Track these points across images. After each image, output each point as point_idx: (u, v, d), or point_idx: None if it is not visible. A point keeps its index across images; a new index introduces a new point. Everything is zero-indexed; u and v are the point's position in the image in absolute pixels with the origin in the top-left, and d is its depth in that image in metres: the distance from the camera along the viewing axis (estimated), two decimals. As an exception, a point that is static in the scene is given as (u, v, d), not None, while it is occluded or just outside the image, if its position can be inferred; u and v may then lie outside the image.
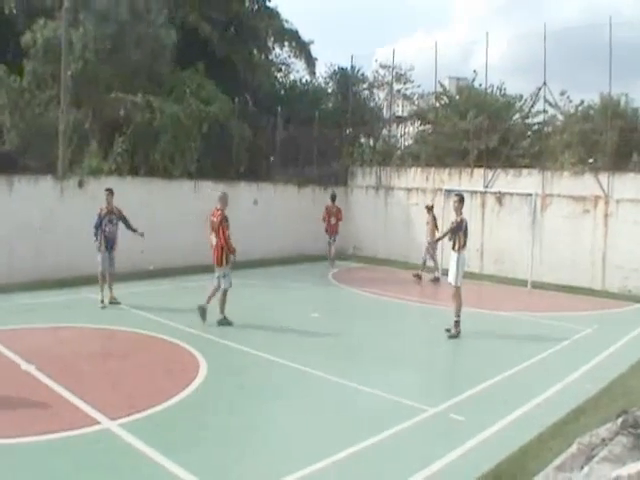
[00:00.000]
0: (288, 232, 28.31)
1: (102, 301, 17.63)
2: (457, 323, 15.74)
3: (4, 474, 7.85)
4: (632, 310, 20.24)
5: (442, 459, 8.56)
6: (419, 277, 24.52)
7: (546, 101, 26.39)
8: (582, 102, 27.14)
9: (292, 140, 30.68)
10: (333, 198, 27.74)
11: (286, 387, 11.91)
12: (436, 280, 24.18)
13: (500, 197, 25.75)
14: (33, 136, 22.44)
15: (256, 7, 33.69)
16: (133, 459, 8.40)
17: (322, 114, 32.21)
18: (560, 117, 27.59)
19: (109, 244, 17.95)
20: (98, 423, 9.38)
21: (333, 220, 27.44)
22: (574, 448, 7.85)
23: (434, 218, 24.82)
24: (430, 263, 24.71)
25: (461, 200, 16.17)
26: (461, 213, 16.05)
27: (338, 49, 70.98)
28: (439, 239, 16.23)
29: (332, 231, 27.38)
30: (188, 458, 8.36)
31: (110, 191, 18.19)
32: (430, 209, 25.08)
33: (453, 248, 15.98)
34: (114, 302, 17.76)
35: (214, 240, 15.84)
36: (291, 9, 53.64)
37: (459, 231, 15.84)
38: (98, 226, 17.78)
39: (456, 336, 15.62)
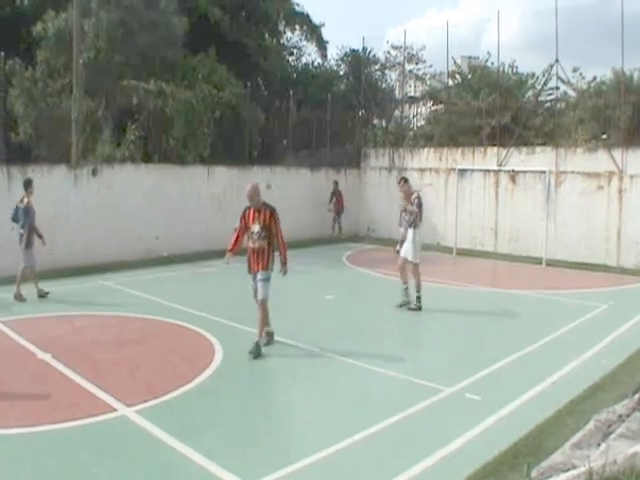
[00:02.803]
0: (302, 215, 28.32)
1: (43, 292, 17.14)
2: (419, 299, 16.15)
3: (23, 463, 7.92)
4: (648, 286, 20.18)
5: (459, 438, 8.58)
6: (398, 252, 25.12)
7: (558, 78, 26.32)
8: (595, 78, 27.02)
9: (305, 123, 30.70)
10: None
11: (302, 370, 11.93)
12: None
13: (514, 175, 25.70)
14: (46, 126, 22.51)
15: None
16: (150, 445, 8.45)
17: (334, 96, 32.13)
18: (573, 94, 27.52)
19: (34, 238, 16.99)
20: (115, 410, 9.44)
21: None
22: (591, 425, 7.89)
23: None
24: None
25: (406, 180, 16.62)
26: (411, 191, 16.40)
27: (349, 31, 70.99)
28: (415, 219, 16.24)
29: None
30: (205, 443, 8.41)
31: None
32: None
33: (410, 225, 16.16)
34: (43, 295, 17.09)
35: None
36: (301, -8, 53.58)
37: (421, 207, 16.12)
38: (33, 221, 16.87)
39: (417, 309, 16.04)
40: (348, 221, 29.53)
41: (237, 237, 12.88)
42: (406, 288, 16.34)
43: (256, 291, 12.53)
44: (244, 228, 12.68)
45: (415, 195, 16.14)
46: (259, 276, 12.39)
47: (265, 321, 12.64)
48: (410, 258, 16.19)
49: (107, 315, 15.35)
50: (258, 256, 12.44)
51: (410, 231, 16.16)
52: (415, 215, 16.01)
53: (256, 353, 12.04)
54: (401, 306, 16.26)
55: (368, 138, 34.54)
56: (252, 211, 12.58)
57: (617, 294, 18.82)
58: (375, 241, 29.09)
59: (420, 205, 16.03)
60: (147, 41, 24.75)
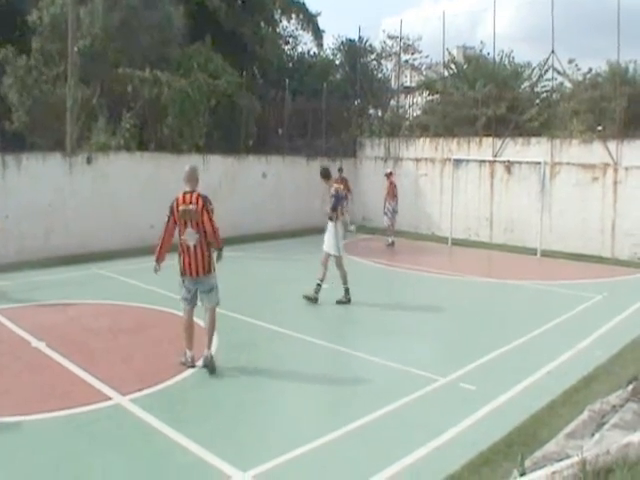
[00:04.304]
0: (298, 204, 28.33)
1: None
2: (347, 290, 15.90)
3: (17, 451, 7.95)
4: (642, 277, 20.23)
5: (454, 428, 8.63)
6: (392, 244, 25.42)
7: (554, 69, 26.31)
8: (590, 70, 27.01)
9: (300, 112, 30.65)
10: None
11: (297, 359, 11.94)
12: (391, 245, 25.52)
13: (509, 166, 25.70)
14: (41, 114, 22.44)
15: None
16: (145, 434, 8.49)
17: (330, 86, 32.12)
18: (568, 85, 27.52)
19: None
20: (110, 399, 9.46)
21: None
22: (585, 415, 7.91)
23: (392, 184, 25.86)
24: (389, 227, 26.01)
25: (323, 175, 16.26)
26: (331, 184, 16.18)
27: (345, 20, 70.66)
28: (332, 213, 15.89)
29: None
30: (199, 432, 8.43)
31: None
32: (389, 176, 26.03)
33: (331, 219, 15.92)
34: None
35: (193, 239, 10.91)
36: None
37: (339, 201, 15.92)
38: None
39: (346, 302, 15.75)
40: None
41: None
42: (319, 284, 15.86)
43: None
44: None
45: (333, 188, 15.94)
46: None
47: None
48: (332, 252, 15.92)
49: (101, 304, 15.35)
50: None
51: (330, 224, 15.94)
52: (331, 207, 15.81)
53: (212, 367, 10.77)
54: (309, 299, 15.78)
55: (364, 128, 34.44)
56: None
57: (611, 285, 18.84)
58: (370, 231, 29.05)
59: (335, 197, 15.80)
60: (145, 39, 24.71)
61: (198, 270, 10.95)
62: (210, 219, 10.95)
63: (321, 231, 26.89)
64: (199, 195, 11.11)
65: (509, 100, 27.79)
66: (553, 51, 25.37)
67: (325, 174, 16.19)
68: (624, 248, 22.80)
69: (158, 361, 11.39)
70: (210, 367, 10.71)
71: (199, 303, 11.33)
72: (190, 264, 10.95)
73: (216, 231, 10.97)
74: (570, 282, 18.99)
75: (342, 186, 16.34)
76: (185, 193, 11.13)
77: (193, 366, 10.83)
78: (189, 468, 7.61)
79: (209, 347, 10.92)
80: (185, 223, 10.89)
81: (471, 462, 7.58)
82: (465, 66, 31.85)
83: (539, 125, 27.33)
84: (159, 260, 11.24)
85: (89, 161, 21.72)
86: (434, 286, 18.70)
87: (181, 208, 10.92)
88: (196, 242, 10.85)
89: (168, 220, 11.01)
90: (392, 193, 25.56)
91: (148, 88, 24.39)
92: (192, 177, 11.40)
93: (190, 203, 10.95)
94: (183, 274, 11.12)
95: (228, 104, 27.24)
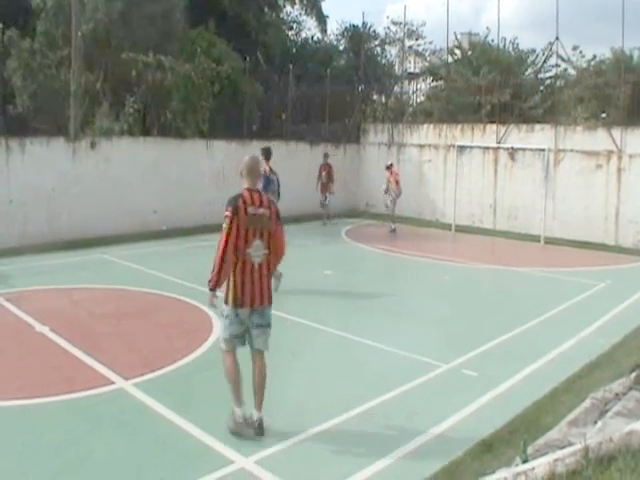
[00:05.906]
0: (301, 190, 28.24)
1: None
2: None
3: (21, 435, 7.96)
4: (645, 265, 20.22)
5: (456, 415, 8.64)
6: (394, 230, 25.50)
7: (558, 56, 26.24)
8: (594, 57, 26.98)
9: (304, 98, 30.58)
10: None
11: (299, 345, 11.94)
12: (393, 231, 25.50)
13: (513, 153, 25.64)
14: (44, 98, 22.43)
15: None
16: (148, 418, 8.51)
17: (334, 72, 31.96)
18: (572, 72, 27.47)
19: None
20: (113, 383, 9.48)
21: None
22: (588, 403, 7.92)
23: (393, 174, 25.82)
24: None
25: (262, 155, 15.56)
26: (268, 167, 15.63)
27: (349, 6, 70.42)
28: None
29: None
30: (201, 416, 8.46)
31: None
32: (389, 168, 26.04)
33: None
34: None
35: (260, 254, 8.11)
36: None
37: (269, 185, 15.26)
38: None
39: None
40: (348, 196, 29.47)
41: None
42: None
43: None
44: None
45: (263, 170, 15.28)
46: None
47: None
48: None
49: (105, 288, 15.35)
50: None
51: None
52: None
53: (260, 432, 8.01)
54: None
55: (367, 114, 34.37)
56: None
57: (615, 273, 18.84)
58: (374, 216, 29.02)
59: (266, 186, 14.86)
60: (150, 30, 24.70)
61: (263, 298, 8.11)
62: (282, 231, 8.52)
63: (323, 217, 26.97)
64: (268, 197, 8.45)
65: (513, 87, 27.74)
66: (557, 37, 25.32)
67: (263, 154, 15.69)
68: (628, 236, 22.78)
69: (161, 345, 11.39)
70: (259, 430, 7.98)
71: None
72: (253, 290, 8.02)
73: (285, 248, 8.67)
74: (573, 269, 18.98)
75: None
76: (251, 191, 8.11)
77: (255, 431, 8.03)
78: (191, 453, 7.62)
79: (259, 408, 8.11)
80: (254, 232, 8.00)
81: (473, 449, 7.57)
82: (469, 52, 31.79)
83: (543, 112, 27.33)
84: (217, 287, 8.26)
85: (92, 146, 21.69)
86: (437, 273, 18.66)
87: (250, 211, 7.94)
88: (262, 259, 8.13)
89: (230, 226, 7.89)
90: (394, 182, 25.45)
91: (151, 73, 24.36)
92: (256, 170, 8.34)
93: (260, 206, 8.06)
94: (239, 305, 8.07)
95: (231, 89, 27.21)
